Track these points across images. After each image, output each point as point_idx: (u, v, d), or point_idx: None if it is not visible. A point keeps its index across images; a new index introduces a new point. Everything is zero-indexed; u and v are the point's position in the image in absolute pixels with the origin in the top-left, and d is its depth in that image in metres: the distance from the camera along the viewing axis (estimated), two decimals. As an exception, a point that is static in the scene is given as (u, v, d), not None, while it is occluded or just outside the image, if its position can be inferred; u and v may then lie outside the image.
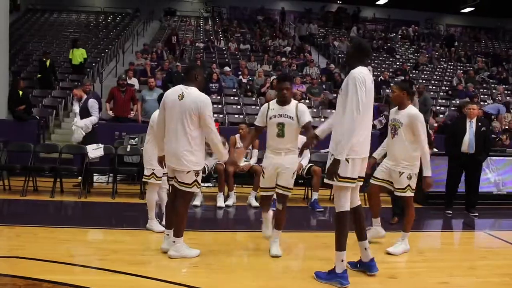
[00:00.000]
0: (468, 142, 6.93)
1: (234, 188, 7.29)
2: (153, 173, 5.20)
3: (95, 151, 7.43)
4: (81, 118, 7.81)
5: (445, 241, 6.10)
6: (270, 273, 4.17)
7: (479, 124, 7.05)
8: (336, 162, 3.61)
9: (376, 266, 4.03)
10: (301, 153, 4.70)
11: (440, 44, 22.36)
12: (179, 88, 4.29)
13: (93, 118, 7.81)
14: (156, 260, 4.32)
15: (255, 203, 7.04)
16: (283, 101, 4.51)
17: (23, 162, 7.46)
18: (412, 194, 4.84)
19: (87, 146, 7.46)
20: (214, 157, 6.90)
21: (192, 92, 4.23)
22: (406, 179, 4.74)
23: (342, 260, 3.76)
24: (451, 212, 7.10)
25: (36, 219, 5.76)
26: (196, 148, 4.22)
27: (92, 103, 7.92)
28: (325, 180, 3.81)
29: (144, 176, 5.32)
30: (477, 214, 7.11)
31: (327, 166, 3.76)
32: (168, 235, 4.50)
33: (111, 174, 8.04)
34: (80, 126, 7.65)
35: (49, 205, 6.82)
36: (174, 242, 4.34)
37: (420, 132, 4.63)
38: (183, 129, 4.17)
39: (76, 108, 7.96)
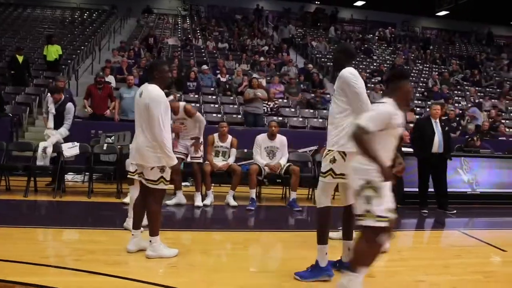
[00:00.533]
0: (438, 142, 7.18)
1: (212, 187, 7.26)
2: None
3: (70, 149, 7.29)
4: (55, 121, 7.66)
5: (421, 240, 6.20)
6: (249, 272, 4.17)
7: (442, 124, 7.35)
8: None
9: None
10: None
11: (416, 46, 22.72)
12: (141, 87, 4.36)
13: (64, 130, 7.66)
14: (133, 260, 4.26)
15: (233, 203, 7.02)
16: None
17: (-5, 161, 7.27)
18: None
19: (62, 145, 7.32)
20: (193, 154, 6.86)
21: (148, 89, 4.22)
22: None
23: (326, 253, 3.81)
24: (427, 211, 7.23)
25: (10, 219, 5.61)
26: (154, 144, 4.16)
27: (69, 109, 7.79)
28: (323, 180, 3.81)
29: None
30: (455, 211, 7.32)
31: (322, 163, 3.85)
32: (133, 235, 4.43)
33: (87, 173, 7.89)
34: (52, 141, 7.46)
35: (23, 204, 6.66)
36: (150, 241, 4.29)
37: None
38: (142, 126, 4.19)
39: (52, 108, 7.74)
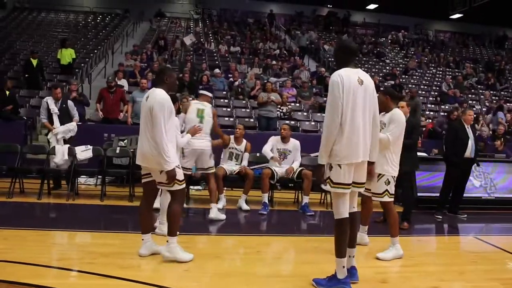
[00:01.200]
0: (471, 147, 7.10)
1: (224, 191, 7.25)
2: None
3: (83, 152, 7.34)
4: (61, 120, 7.72)
5: (435, 245, 6.11)
6: (261, 278, 4.13)
7: (472, 130, 7.24)
8: (320, 167, 3.62)
9: (357, 275, 3.91)
10: None
11: (429, 50, 22.55)
12: (149, 91, 4.35)
13: (74, 123, 7.77)
14: (146, 264, 4.25)
15: (245, 207, 7.02)
16: None
17: (9, 164, 7.32)
18: (391, 199, 4.81)
19: (75, 148, 7.38)
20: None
21: (155, 92, 4.22)
22: (384, 184, 4.74)
23: (344, 267, 3.67)
24: (441, 216, 7.13)
25: (24, 222, 5.64)
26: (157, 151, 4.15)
27: (72, 105, 7.92)
28: (322, 186, 3.72)
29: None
30: (465, 215, 7.26)
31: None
32: (143, 239, 4.43)
33: (99, 176, 7.93)
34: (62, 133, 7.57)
35: (37, 207, 6.71)
36: (167, 242, 4.30)
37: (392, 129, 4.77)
38: (148, 130, 4.17)
39: (55, 108, 7.74)
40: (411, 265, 4.66)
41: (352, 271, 3.89)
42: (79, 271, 3.97)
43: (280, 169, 7.26)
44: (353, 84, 3.53)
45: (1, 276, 3.65)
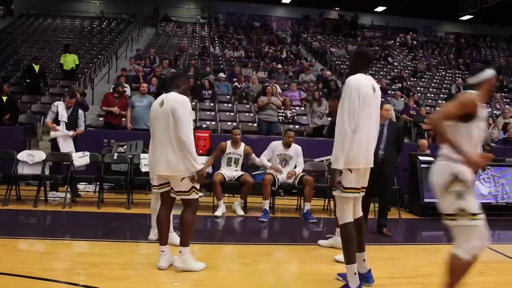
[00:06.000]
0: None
1: (223, 197, 7.07)
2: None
3: (80, 159, 7.20)
4: (67, 127, 7.58)
5: (440, 254, 5.82)
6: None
7: None
8: (335, 172, 3.57)
9: (373, 277, 3.87)
10: None
11: (439, 52, 22.24)
12: (160, 97, 4.23)
13: (72, 133, 7.62)
14: (136, 275, 4.07)
15: (240, 212, 6.89)
16: None
17: (6, 170, 7.19)
18: None
19: (72, 154, 7.24)
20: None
21: (170, 96, 4.13)
22: None
23: (355, 273, 3.62)
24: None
25: (16, 231, 5.52)
26: (183, 153, 4.04)
27: (82, 115, 7.81)
28: (333, 193, 3.71)
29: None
30: None
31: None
32: (163, 251, 4.22)
33: (98, 183, 7.78)
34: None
35: (32, 215, 6.56)
36: (180, 252, 4.14)
37: None
38: (168, 135, 4.04)
39: (65, 115, 7.60)
40: (415, 276, 4.42)
41: (367, 275, 3.87)
42: (64, 282, 3.77)
43: (282, 175, 7.06)
44: (368, 90, 3.61)
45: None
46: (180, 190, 4.11)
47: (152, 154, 4.28)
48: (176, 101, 4.04)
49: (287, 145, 7.18)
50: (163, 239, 4.24)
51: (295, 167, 7.15)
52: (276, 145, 7.23)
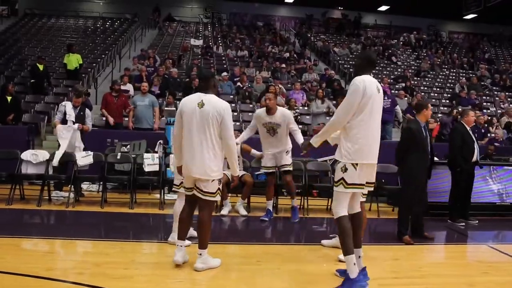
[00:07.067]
0: (476, 150, 6.83)
1: (228, 197, 7.08)
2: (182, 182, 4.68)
3: (83, 158, 7.21)
4: None
5: (444, 254, 5.83)
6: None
7: (474, 131, 7.09)
8: (309, 145, 4.09)
9: (367, 275, 3.85)
10: None
11: (442, 51, 22.17)
12: (197, 96, 4.20)
13: (76, 126, 7.59)
14: (139, 274, 4.08)
15: (243, 212, 6.90)
16: None
17: (10, 170, 7.20)
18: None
19: (76, 154, 7.26)
20: None
21: (212, 99, 4.15)
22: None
23: (354, 264, 3.72)
24: (464, 224, 6.88)
25: (20, 230, 5.53)
26: (218, 156, 4.15)
27: (89, 114, 7.84)
28: (335, 189, 3.83)
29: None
30: (477, 221, 6.97)
31: (334, 176, 3.88)
32: (181, 246, 4.26)
33: (101, 183, 7.79)
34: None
35: (36, 214, 6.58)
36: (200, 254, 4.19)
37: None
38: (205, 138, 4.09)
39: (72, 115, 7.57)
40: (418, 277, 4.41)
41: (362, 272, 3.85)
42: (67, 281, 3.78)
43: (278, 160, 6.59)
44: (374, 90, 3.79)
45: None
46: (208, 191, 4.16)
47: (188, 151, 4.15)
48: (223, 109, 4.09)
49: (269, 111, 6.37)
50: (183, 234, 4.29)
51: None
52: (259, 113, 6.51)
